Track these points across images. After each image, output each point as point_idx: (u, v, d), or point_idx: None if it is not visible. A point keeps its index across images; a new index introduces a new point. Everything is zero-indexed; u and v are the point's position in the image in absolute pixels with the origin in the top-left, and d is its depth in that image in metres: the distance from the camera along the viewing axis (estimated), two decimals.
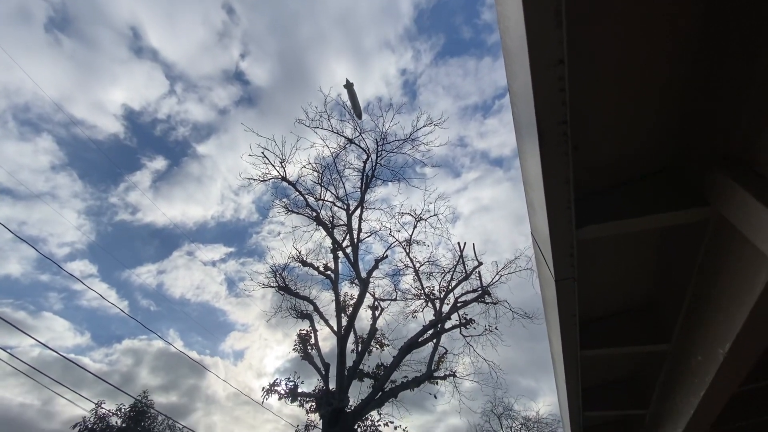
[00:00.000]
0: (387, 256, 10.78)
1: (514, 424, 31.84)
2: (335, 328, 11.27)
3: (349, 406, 10.62)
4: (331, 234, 11.00)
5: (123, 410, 13.94)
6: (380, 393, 11.16)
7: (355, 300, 10.82)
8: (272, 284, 11.01)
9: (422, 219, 13.29)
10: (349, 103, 9.80)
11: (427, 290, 14.46)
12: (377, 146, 11.18)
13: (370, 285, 12.18)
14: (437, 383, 13.37)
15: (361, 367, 11.90)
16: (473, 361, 13.78)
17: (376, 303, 13.60)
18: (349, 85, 9.22)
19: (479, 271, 12.74)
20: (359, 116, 9.71)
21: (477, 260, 12.46)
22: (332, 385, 11.34)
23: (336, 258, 12.80)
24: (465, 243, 12.46)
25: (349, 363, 11.53)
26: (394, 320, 14.31)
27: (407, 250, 13.74)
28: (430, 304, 14.19)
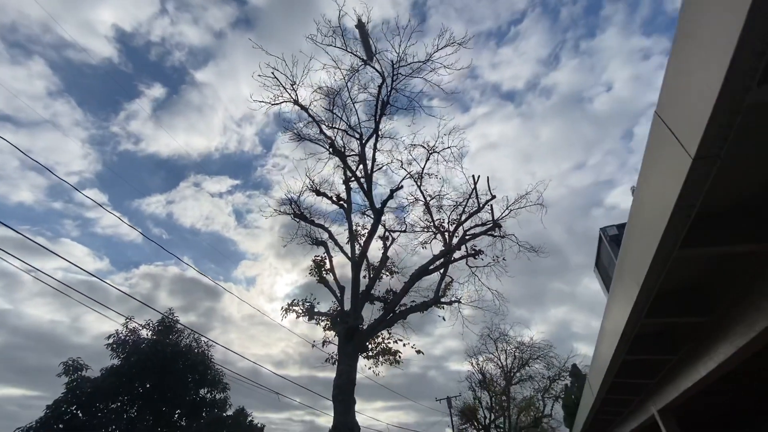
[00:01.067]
0: (402, 186, 10.66)
1: (508, 348, 34.56)
2: (349, 255, 11.60)
3: (362, 325, 11.34)
4: (345, 163, 10.74)
5: (151, 324, 15.05)
6: (391, 314, 11.84)
7: (368, 229, 10.95)
8: (287, 212, 11.08)
9: (435, 151, 12.93)
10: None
11: (436, 222, 14.63)
12: (393, 69, 10.42)
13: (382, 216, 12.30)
14: (443, 308, 14.17)
15: (372, 291, 12.50)
16: (477, 290, 14.45)
17: (386, 233, 13.87)
18: (360, 25, 8.77)
19: (491, 205, 12.72)
20: (371, 58, 9.29)
21: (490, 193, 12.36)
22: (346, 307, 12.04)
23: (348, 188, 12.73)
24: (479, 176, 12.23)
25: (362, 288, 12.11)
26: (403, 251, 14.63)
27: (418, 183, 13.61)
28: (439, 236, 14.47)
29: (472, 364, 34.84)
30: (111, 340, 13.84)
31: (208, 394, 16.40)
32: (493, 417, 35.16)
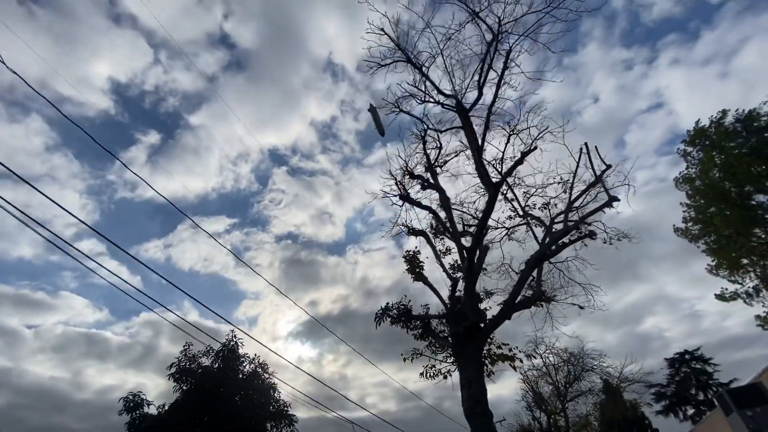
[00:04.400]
0: (536, 148, 9.25)
1: (556, 361, 31.69)
2: (458, 243, 10.06)
3: (483, 322, 9.61)
4: (468, 131, 9.33)
5: (212, 351, 13.16)
6: (512, 308, 10.15)
7: (484, 209, 9.41)
8: (393, 193, 9.65)
9: (514, 133, 11.59)
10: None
11: (525, 209, 13.22)
12: (498, 27, 9.32)
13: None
14: (541, 306, 12.44)
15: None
16: (563, 285, 12.81)
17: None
18: (372, 109, 9.23)
19: (603, 179, 11.32)
20: (382, 134, 9.85)
21: (603, 163, 11.01)
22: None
23: (434, 173, 11.39)
24: (586, 143, 10.92)
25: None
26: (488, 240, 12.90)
27: (499, 169, 12.27)
28: (535, 222, 13.04)
29: (524, 381, 32.25)
30: (173, 370, 11.89)
31: (273, 430, 14.19)
32: None
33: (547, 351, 31.19)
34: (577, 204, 11.57)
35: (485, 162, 9.83)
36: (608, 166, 10.87)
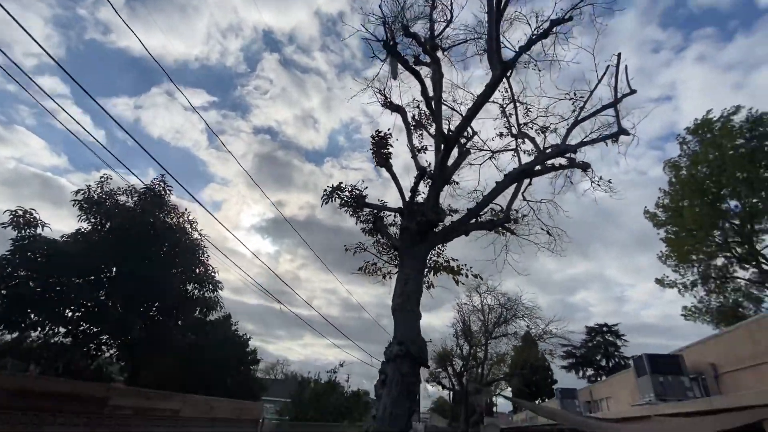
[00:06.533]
0: (571, 18, 7.17)
1: (492, 302, 33.34)
2: (438, 126, 8.40)
3: (443, 222, 8.48)
4: None
5: (135, 190, 11.50)
6: (474, 221, 9.05)
7: (483, 91, 7.55)
8: (377, 37, 7.51)
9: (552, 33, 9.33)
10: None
11: (521, 127, 11.62)
12: None
13: None
14: (503, 234, 11.57)
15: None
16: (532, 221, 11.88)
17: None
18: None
19: (617, 108, 9.69)
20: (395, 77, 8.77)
21: (629, 87, 9.27)
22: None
23: (435, 47, 9.23)
24: (619, 54, 9.00)
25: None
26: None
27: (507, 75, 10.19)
28: (528, 145, 11.57)
29: (458, 312, 34.09)
30: (80, 197, 10.22)
31: (195, 290, 13.44)
32: (467, 366, 35.23)
33: (487, 292, 32.55)
34: (575, 132, 10.04)
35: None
36: (632, 91, 9.17)
